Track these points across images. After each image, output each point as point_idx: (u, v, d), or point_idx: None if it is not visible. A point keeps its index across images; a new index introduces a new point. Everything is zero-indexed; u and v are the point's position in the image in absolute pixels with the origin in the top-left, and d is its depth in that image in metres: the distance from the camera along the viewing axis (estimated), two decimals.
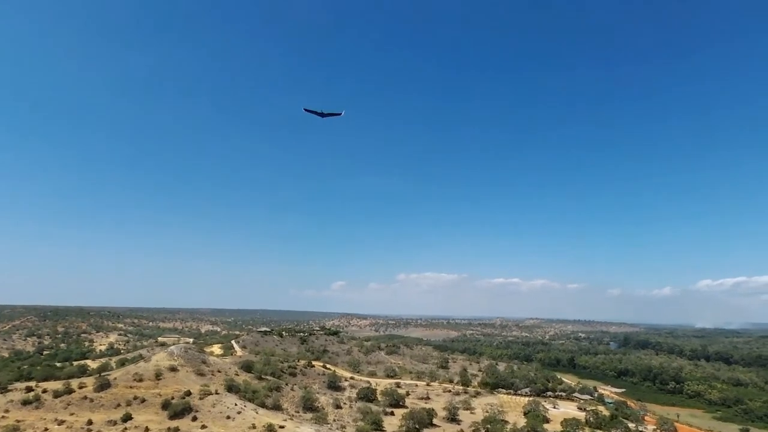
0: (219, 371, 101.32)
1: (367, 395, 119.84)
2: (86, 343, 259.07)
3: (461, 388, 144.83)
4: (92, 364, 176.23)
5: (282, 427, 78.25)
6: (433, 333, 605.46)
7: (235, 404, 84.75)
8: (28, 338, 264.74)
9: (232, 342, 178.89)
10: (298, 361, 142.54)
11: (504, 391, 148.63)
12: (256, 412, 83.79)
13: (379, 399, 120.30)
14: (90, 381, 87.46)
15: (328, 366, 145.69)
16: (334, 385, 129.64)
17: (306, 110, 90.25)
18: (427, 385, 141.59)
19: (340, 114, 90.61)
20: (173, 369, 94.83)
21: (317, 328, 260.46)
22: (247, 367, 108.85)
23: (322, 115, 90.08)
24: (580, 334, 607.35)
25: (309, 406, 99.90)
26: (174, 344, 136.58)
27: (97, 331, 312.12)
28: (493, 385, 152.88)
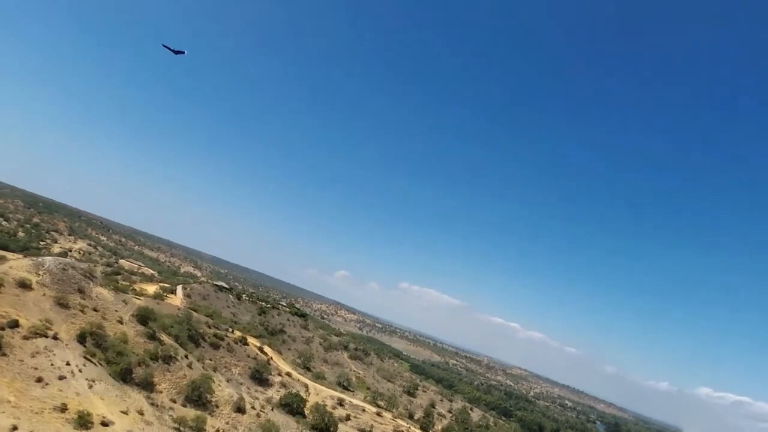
0: (96, 310, 72.30)
1: (293, 404, 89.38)
2: (46, 241, 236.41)
3: None
4: (14, 262, 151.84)
5: (106, 424, 48.39)
6: (415, 350, 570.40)
7: (68, 363, 55.36)
8: None
9: (178, 287, 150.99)
10: (232, 331, 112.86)
11: None
12: (91, 386, 54.17)
13: (306, 414, 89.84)
14: None
15: (266, 350, 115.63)
16: (259, 376, 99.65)
17: (163, 45, 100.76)
18: (378, 414, 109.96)
19: (183, 53, 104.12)
20: (24, 285, 66.16)
21: (283, 303, 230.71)
22: (144, 317, 79.44)
23: (175, 52, 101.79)
24: (567, 402, 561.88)
25: (197, 397, 69.86)
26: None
27: (69, 234, 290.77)
28: None
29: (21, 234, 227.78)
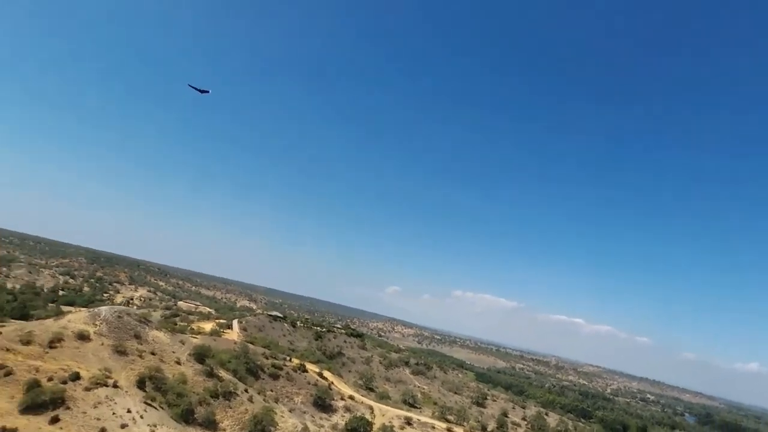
0: (153, 353, 72.71)
1: (359, 428, 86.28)
2: (110, 293, 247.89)
3: None
4: (72, 315, 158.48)
5: None
6: (478, 358, 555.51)
7: (129, 411, 55.03)
8: (60, 275, 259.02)
9: (234, 321, 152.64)
10: (290, 360, 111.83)
11: None
12: (153, 431, 53.45)
13: None
14: None
15: (326, 374, 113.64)
16: (322, 402, 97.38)
17: (189, 85, 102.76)
18: (448, 430, 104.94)
19: (208, 91, 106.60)
20: (83, 337, 67.33)
21: (338, 326, 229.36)
22: (201, 355, 79.41)
23: (201, 91, 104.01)
24: (648, 396, 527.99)
25: (260, 431, 68.29)
26: (126, 303, 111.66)
27: (130, 284, 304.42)
28: None
29: (86, 289, 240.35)
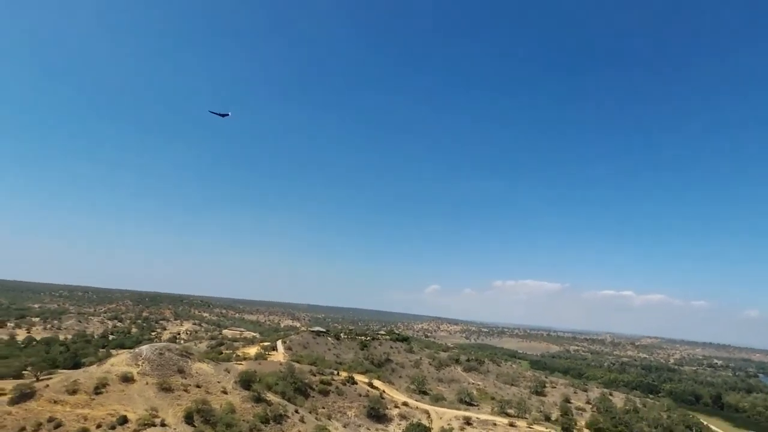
0: (199, 386, 71.73)
1: None
2: (157, 331, 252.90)
3: None
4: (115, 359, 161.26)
5: None
6: (530, 346, 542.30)
7: None
8: (108, 321, 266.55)
9: (278, 342, 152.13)
10: (338, 373, 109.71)
11: None
12: None
13: None
14: (9, 387, 62.21)
15: (375, 383, 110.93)
16: (376, 413, 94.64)
17: (210, 111, 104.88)
18: (511, 425, 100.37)
19: (228, 114, 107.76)
20: (127, 379, 66.83)
21: (383, 332, 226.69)
22: (247, 381, 78.08)
23: (222, 115, 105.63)
24: (716, 361, 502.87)
25: None
26: (174, 339, 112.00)
27: (176, 319, 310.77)
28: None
29: (134, 330, 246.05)
